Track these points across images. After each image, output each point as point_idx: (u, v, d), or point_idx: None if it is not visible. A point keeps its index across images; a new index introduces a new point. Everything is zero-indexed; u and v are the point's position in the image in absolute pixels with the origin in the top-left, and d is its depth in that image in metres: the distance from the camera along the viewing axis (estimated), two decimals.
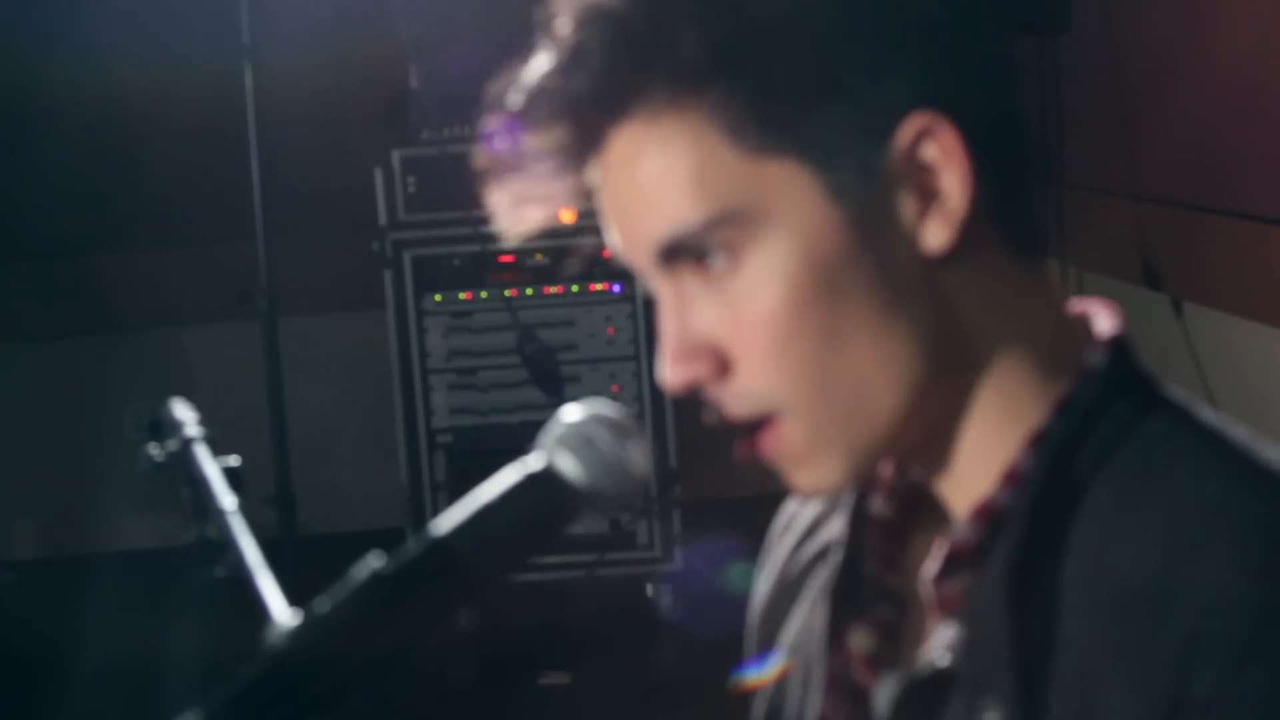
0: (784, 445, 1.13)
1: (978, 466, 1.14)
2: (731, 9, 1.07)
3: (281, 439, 4.17)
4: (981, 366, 1.13)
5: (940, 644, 1.13)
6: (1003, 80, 1.14)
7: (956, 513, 1.16)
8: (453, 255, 4.68)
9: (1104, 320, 1.17)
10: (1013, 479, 1.12)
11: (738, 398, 1.13)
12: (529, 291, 4.69)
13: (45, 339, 5.27)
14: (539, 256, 4.65)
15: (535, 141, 1.13)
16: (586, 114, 1.11)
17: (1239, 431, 1.11)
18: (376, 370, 4.85)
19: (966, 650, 1.10)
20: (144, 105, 4.72)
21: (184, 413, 2.22)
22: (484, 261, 4.65)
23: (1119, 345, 1.14)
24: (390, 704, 1.02)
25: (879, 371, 1.10)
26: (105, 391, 4.75)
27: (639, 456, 1.13)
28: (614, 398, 4.55)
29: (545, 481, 1.11)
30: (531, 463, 1.11)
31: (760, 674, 1.35)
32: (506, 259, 4.66)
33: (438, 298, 4.72)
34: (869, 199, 1.08)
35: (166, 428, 2.21)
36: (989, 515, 1.12)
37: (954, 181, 1.08)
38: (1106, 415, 1.11)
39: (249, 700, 0.99)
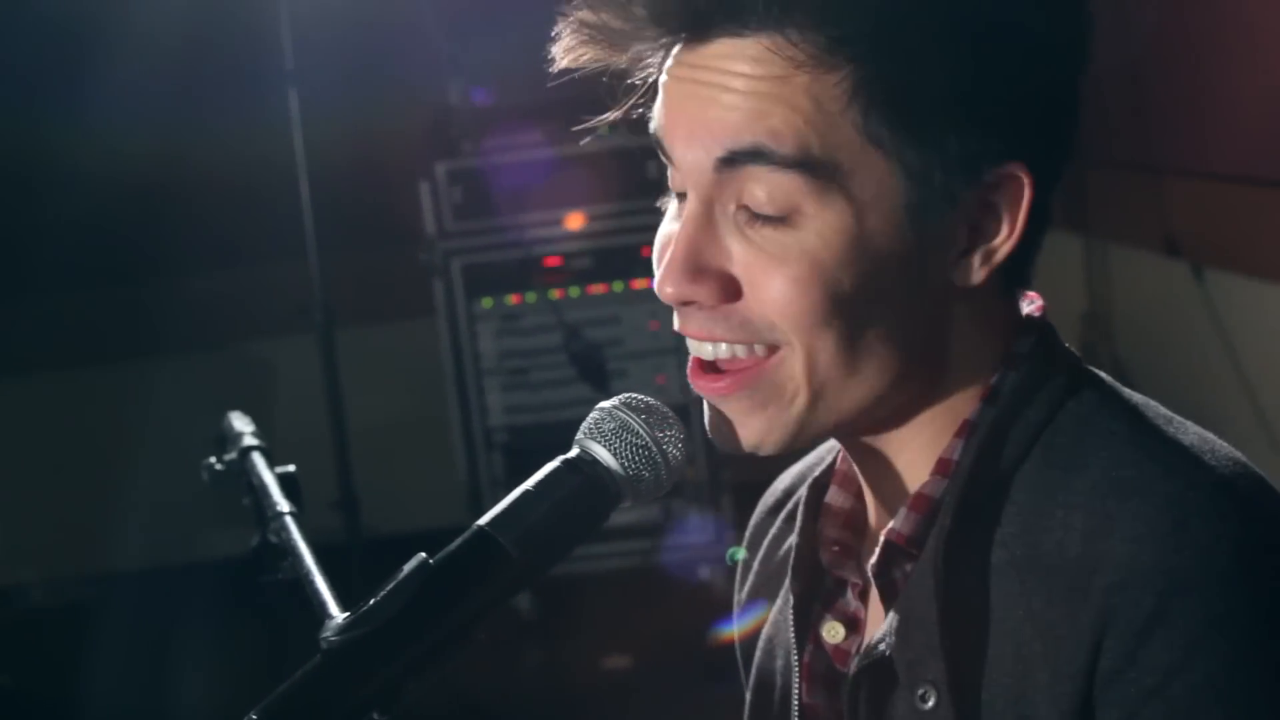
0: (762, 379, 1.14)
1: (920, 460, 1.18)
2: (914, 13, 1.08)
3: (342, 445, 4.24)
4: (939, 377, 1.17)
5: (884, 630, 1.16)
6: (1068, 159, 1.17)
7: (896, 505, 1.19)
8: (500, 261, 4.81)
9: (1027, 308, 1.21)
10: (944, 468, 1.16)
11: (734, 324, 1.14)
12: (574, 292, 4.80)
13: (111, 362, 5.37)
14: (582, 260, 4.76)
15: None
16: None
17: (1157, 409, 1.16)
18: (430, 375, 4.96)
19: (900, 636, 1.13)
20: (196, 134, 4.82)
21: (242, 423, 2.24)
22: (530, 265, 4.77)
23: (1040, 331, 1.19)
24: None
25: (871, 366, 1.13)
26: (178, 408, 4.84)
27: (675, 441, 1.14)
28: (659, 390, 4.66)
29: (581, 467, 1.12)
30: (571, 452, 1.13)
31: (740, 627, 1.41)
32: (552, 262, 4.78)
33: (487, 302, 4.84)
34: (937, 225, 1.11)
35: (226, 439, 2.31)
36: (924, 505, 1.15)
37: (1009, 232, 1.12)
38: (1033, 400, 1.15)
39: (305, 696, 1.00)
